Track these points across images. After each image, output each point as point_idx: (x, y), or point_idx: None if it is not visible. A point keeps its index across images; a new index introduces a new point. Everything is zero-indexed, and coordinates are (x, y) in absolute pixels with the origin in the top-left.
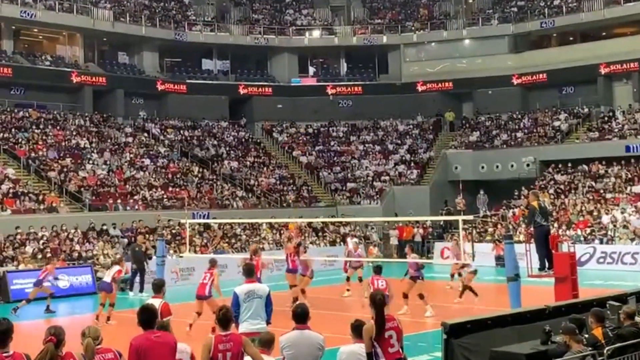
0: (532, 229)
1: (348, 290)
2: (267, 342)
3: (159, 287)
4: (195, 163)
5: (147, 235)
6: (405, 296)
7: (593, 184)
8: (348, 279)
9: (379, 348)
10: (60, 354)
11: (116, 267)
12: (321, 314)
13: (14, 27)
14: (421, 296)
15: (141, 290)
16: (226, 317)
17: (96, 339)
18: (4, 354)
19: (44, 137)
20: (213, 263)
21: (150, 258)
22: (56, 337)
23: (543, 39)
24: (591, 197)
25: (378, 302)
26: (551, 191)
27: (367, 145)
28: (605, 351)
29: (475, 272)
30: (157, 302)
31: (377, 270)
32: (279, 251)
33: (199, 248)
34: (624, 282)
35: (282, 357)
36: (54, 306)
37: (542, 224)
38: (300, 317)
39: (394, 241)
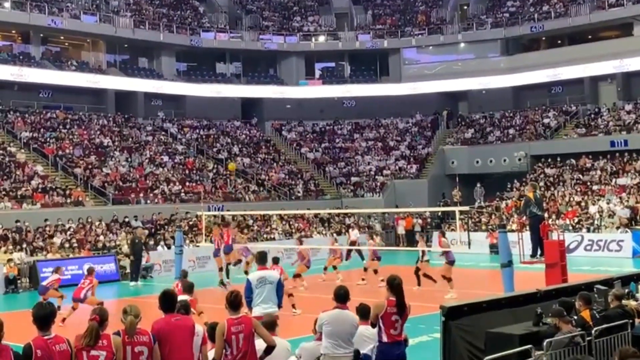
0: (524, 218)
1: (363, 279)
2: (269, 325)
3: (190, 289)
4: (210, 159)
5: (167, 227)
6: (449, 279)
7: (580, 176)
8: (366, 269)
9: (383, 326)
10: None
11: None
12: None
13: (42, 35)
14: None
15: (135, 280)
16: (236, 300)
17: (137, 316)
18: (46, 337)
19: (70, 137)
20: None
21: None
22: (100, 316)
23: (533, 42)
24: (579, 189)
25: (396, 286)
26: (541, 184)
27: (369, 142)
28: (593, 332)
29: (428, 261)
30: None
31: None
32: (288, 241)
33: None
34: (610, 267)
35: (319, 333)
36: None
37: (537, 213)
38: (342, 297)
39: (401, 231)
